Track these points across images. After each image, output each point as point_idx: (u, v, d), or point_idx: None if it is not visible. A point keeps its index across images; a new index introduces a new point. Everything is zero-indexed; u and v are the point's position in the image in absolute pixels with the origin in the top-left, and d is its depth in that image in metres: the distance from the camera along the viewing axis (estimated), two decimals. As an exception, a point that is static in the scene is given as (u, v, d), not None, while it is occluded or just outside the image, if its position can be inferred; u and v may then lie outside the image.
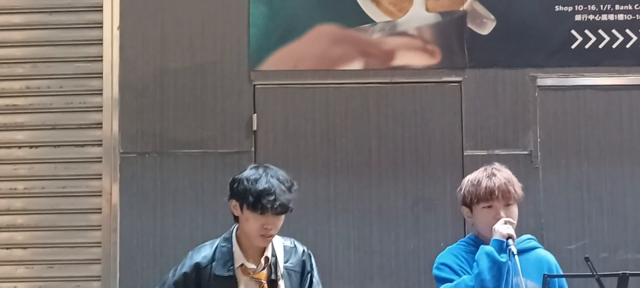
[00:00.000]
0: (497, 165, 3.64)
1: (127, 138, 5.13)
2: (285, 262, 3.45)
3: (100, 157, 5.17)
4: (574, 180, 5.06)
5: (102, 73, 5.19)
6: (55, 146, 5.22)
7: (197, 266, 3.37)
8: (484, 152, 5.05)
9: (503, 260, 3.37)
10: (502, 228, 3.42)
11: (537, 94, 5.09)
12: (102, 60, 5.19)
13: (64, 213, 5.17)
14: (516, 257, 3.33)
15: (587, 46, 5.10)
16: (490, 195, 3.50)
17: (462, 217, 4.90)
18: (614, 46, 5.11)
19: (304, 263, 3.51)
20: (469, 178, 3.63)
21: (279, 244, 3.48)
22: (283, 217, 3.35)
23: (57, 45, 5.25)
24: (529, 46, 5.09)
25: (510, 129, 5.08)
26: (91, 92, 5.22)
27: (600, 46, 5.10)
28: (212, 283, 3.35)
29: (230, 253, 3.38)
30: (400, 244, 5.05)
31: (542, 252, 3.64)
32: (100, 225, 5.13)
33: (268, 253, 3.41)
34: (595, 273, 2.98)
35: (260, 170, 3.35)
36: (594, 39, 5.09)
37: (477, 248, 3.50)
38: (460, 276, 3.50)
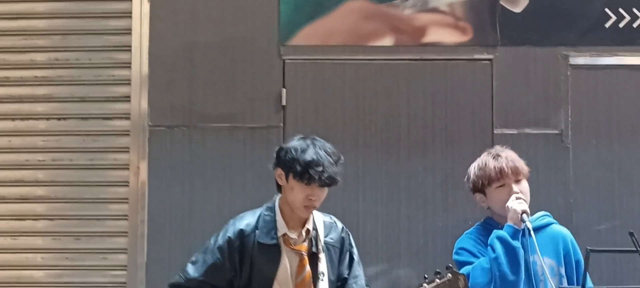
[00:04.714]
0: (498, 147, 3.75)
1: (156, 111, 5.12)
2: (325, 237, 3.45)
3: (128, 131, 5.16)
4: (605, 160, 5.02)
5: (131, 46, 5.18)
6: (83, 118, 5.22)
7: (241, 233, 3.37)
8: (514, 131, 5.02)
9: (516, 245, 3.41)
10: (516, 204, 3.50)
11: (569, 73, 5.05)
12: (131, 33, 5.18)
13: (91, 186, 5.18)
14: (532, 232, 3.39)
15: (621, 25, 5.04)
16: (500, 174, 3.57)
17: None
18: (649, 25, 5.07)
19: (343, 240, 3.52)
20: (475, 164, 3.72)
21: (320, 219, 3.48)
22: (327, 190, 3.34)
23: (87, 17, 5.24)
24: (562, 24, 5.04)
25: (541, 108, 5.04)
26: (120, 65, 5.21)
27: (635, 25, 5.04)
28: (255, 251, 3.35)
29: (274, 222, 3.38)
30: (428, 222, 5.03)
31: (557, 228, 3.68)
32: (127, 198, 5.13)
33: (309, 225, 3.41)
34: (639, 249, 2.95)
35: (309, 141, 3.36)
36: (628, 17, 5.04)
37: (492, 230, 3.54)
38: (478, 258, 3.53)
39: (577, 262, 3.57)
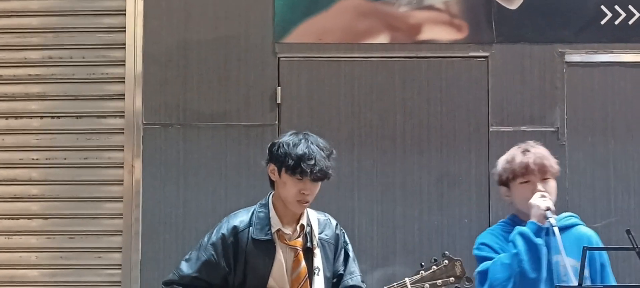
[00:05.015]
0: (531, 142, 3.62)
1: (150, 109, 5.10)
2: (319, 233, 3.44)
3: (122, 129, 5.15)
4: (601, 158, 5.01)
5: (124, 44, 5.16)
6: (76, 117, 5.20)
7: (235, 229, 3.36)
8: (510, 129, 5.00)
9: (538, 242, 3.34)
10: (539, 201, 3.39)
11: (564, 70, 5.04)
12: (125, 31, 5.16)
13: (85, 184, 5.16)
14: (556, 229, 3.29)
15: (616, 22, 5.04)
16: (525, 170, 3.48)
17: (487, 193, 4.98)
18: (644, 22, 5.06)
19: (337, 236, 3.51)
20: (504, 157, 3.61)
21: (314, 217, 3.47)
22: (319, 184, 3.33)
23: (80, 15, 5.22)
24: (558, 21, 5.03)
25: (537, 106, 5.03)
26: (113, 63, 5.19)
27: (630, 22, 5.04)
28: (250, 247, 3.34)
29: (268, 218, 3.37)
30: (423, 220, 5.02)
31: (583, 229, 3.58)
32: (121, 197, 5.12)
33: (303, 221, 3.40)
34: (636, 247, 2.94)
35: (300, 136, 3.35)
36: (623, 14, 5.03)
37: (516, 227, 3.48)
38: (499, 254, 3.47)
39: (602, 265, 3.49)
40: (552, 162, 3.53)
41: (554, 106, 5.03)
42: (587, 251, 3.40)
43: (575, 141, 5.01)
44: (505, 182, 3.56)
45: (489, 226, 4.91)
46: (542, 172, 3.48)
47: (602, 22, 5.04)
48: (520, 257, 3.35)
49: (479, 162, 5.02)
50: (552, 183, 3.51)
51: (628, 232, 3.02)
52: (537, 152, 3.52)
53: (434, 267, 3.27)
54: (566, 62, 5.03)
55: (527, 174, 3.48)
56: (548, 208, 3.37)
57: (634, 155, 5.02)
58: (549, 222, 3.33)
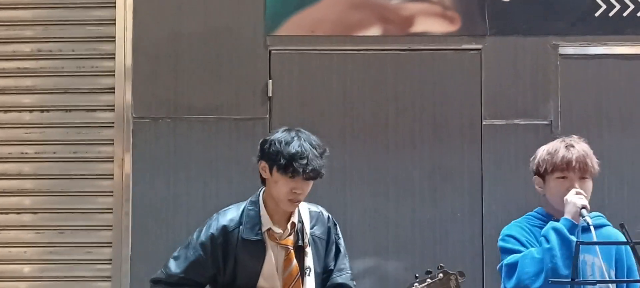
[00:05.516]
0: (575, 137, 3.55)
1: (141, 103, 5.07)
2: (311, 229, 3.39)
3: (112, 122, 5.12)
4: (594, 150, 4.86)
5: (114, 37, 5.12)
6: (66, 110, 5.17)
7: (224, 229, 3.30)
8: (503, 122, 4.98)
9: (573, 239, 3.28)
10: (576, 198, 3.31)
11: (558, 63, 5.01)
12: (115, 23, 5.13)
13: (75, 179, 5.13)
14: (593, 229, 3.22)
15: (610, 14, 5.01)
16: (567, 166, 3.40)
17: (480, 186, 4.95)
18: (639, 14, 5.01)
19: (329, 230, 3.45)
20: (545, 147, 3.52)
21: (305, 210, 3.41)
22: (312, 183, 3.28)
23: (69, 7, 5.19)
24: (551, 13, 5.00)
25: (531, 98, 5.00)
26: (103, 56, 5.16)
27: (624, 14, 5.01)
28: (239, 247, 3.29)
29: (258, 217, 3.32)
30: (416, 214, 4.99)
31: (611, 230, 3.51)
32: (111, 191, 5.09)
33: (294, 218, 3.35)
34: (630, 241, 2.90)
35: (293, 133, 3.28)
36: (618, 6, 5.00)
37: (545, 222, 3.41)
38: (527, 248, 3.41)
39: (629, 268, 3.41)
40: (594, 162, 3.46)
41: (548, 99, 4.99)
42: (616, 254, 3.38)
43: (569, 134, 4.91)
44: (541, 173, 3.49)
45: (482, 220, 4.93)
46: (583, 171, 3.41)
47: (596, 14, 5.01)
48: (553, 252, 3.27)
49: (472, 156, 4.99)
50: (589, 184, 3.44)
51: (621, 225, 2.98)
52: (581, 150, 3.44)
53: (429, 279, 3.18)
54: (560, 55, 5.00)
55: (567, 170, 3.40)
56: (584, 207, 3.31)
57: (628, 148, 4.99)
58: (585, 220, 3.24)
